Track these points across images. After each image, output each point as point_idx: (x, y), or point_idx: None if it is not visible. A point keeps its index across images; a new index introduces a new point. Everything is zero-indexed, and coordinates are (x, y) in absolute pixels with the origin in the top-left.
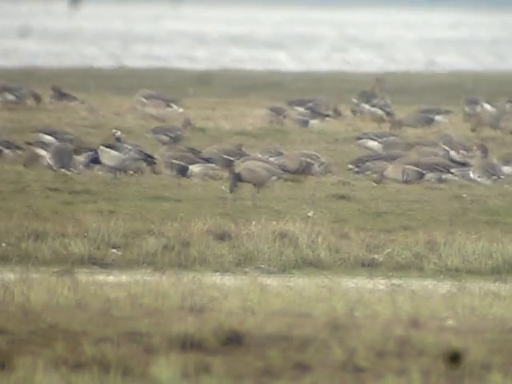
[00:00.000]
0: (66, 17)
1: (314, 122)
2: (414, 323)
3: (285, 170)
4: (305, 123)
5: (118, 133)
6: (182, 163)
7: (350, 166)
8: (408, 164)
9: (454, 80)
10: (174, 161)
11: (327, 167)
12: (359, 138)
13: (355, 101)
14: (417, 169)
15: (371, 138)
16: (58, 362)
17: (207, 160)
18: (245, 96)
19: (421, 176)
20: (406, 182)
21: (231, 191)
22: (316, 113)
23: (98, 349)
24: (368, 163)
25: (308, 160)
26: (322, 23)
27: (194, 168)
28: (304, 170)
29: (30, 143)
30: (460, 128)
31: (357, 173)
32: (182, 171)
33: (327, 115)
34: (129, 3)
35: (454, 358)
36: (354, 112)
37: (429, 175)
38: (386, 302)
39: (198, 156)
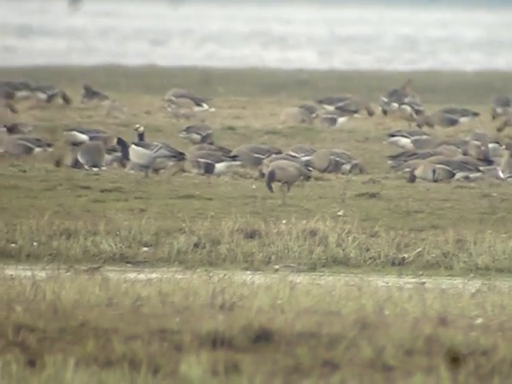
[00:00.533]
0: (97, 16)
1: (341, 120)
2: (443, 322)
3: (313, 169)
4: (333, 121)
5: (141, 128)
6: (208, 161)
7: (389, 162)
8: (438, 163)
9: (482, 79)
10: (200, 159)
11: (360, 166)
12: (392, 136)
13: (385, 99)
14: (447, 168)
15: (404, 135)
16: (88, 359)
17: (233, 158)
18: (275, 95)
19: (451, 175)
20: (436, 181)
21: (270, 190)
22: (343, 110)
23: (128, 346)
24: (410, 161)
25: (337, 159)
26: (348, 21)
27: (220, 166)
28: (333, 169)
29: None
30: (488, 127)
31: (397, 170)
32: (209, 169)
33: (355, 111)
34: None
35: (454, 359)
36: (384, 111)
37: (459, 174)
38: (416, 300)
39: (224, 154)
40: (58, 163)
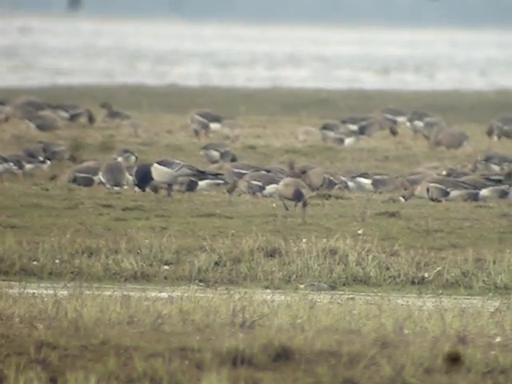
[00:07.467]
0: (119, 35)
1: (349, 141)
2: (463, 340)
3: (308, 185)
4: (340, 141)
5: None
6: (192, 179)
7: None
8: (432, 182)
9: (502, 98)
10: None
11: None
12: (487, 159)
13: (403, 119)
14: (440, 186)
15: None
16: (109, 377)
17: (216, 176)
18: (295, 114)
19: (445, 194)
20: (432, 199)
21: (287, 209)
22: (350, 131)
23: (149, 364)
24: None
25: (330, 177)
26: (369, 43)
27: (203, 184)
28: (327, 187)
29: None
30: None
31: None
32: (191, 187)
33: (361, 133)
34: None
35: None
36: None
37: (453, 192)
38: (435, 319)
39: (208, 172)
40: (53, 178)
